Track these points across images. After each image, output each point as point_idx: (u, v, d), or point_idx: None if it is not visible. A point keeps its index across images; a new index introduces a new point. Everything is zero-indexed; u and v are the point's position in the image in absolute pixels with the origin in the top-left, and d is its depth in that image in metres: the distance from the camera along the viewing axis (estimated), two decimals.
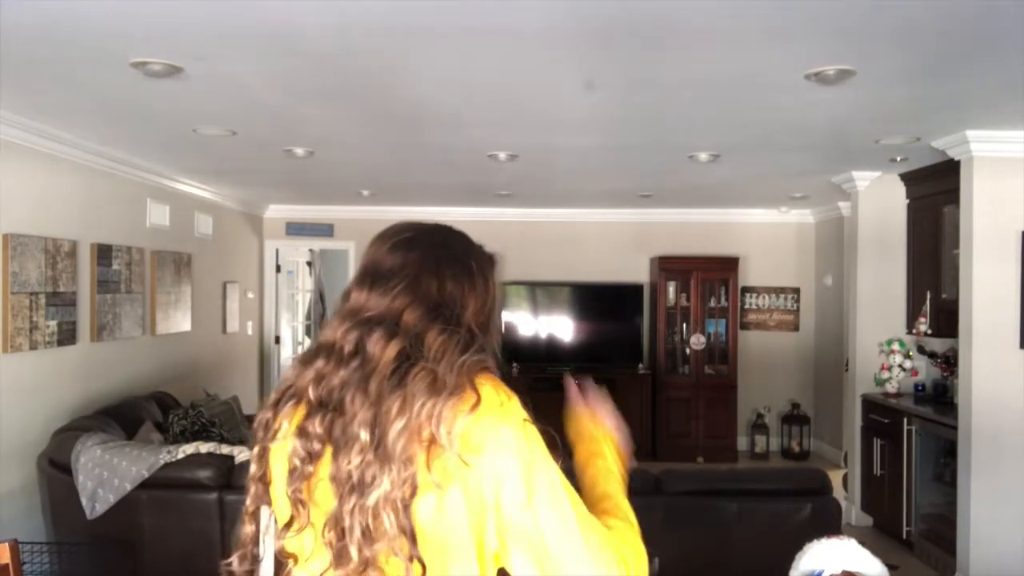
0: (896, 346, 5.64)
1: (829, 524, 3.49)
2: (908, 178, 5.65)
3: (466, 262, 1.29)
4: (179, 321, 6.22)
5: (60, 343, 4.61)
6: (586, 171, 5.76)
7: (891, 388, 5.62)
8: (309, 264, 9.39)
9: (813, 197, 7.14)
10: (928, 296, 5.38)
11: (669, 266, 8.02)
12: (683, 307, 8.04)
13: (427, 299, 1.20)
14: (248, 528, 1.27)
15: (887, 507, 5.46)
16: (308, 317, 9.39)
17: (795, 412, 8.05)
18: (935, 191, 5.29)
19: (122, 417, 4.68)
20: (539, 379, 7.91)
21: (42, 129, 4.30)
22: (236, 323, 7.56)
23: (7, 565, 2.17)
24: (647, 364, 8.20)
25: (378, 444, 1.10)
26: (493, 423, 1.11)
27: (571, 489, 1.16)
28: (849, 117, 4.00)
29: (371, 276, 1.23)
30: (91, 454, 3.74)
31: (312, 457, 1.15)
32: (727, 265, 8.06)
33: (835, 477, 4.88)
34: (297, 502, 1.16)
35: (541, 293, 8.32)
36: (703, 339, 7.98)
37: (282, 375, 1.17)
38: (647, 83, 3.42)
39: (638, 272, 8.37)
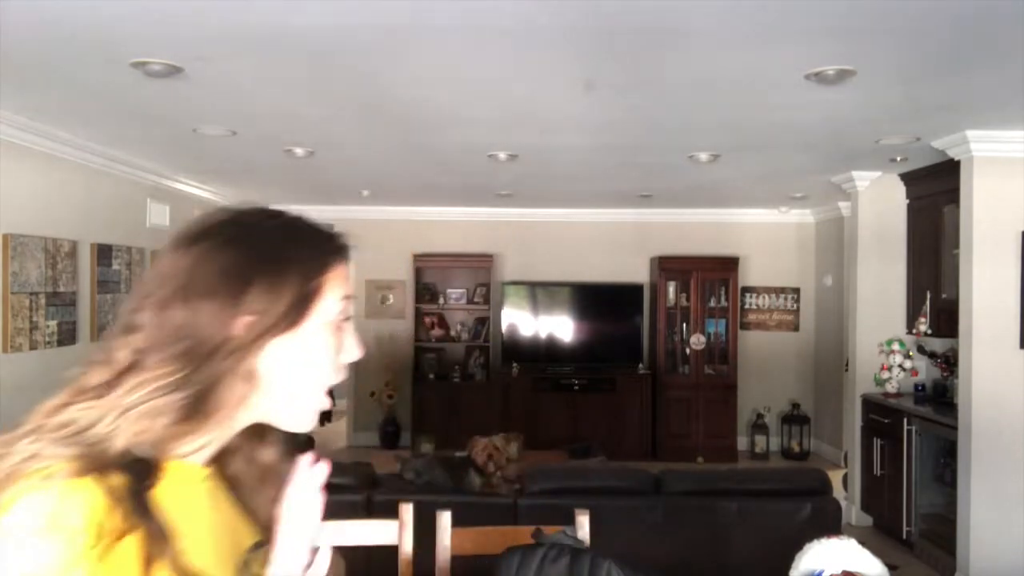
0: (896, 346, 5.64)
1: (829, 524, 3.49)
2: (908, 178, 5.65)
3: (262, 272, 0.86)
4: None
5: (60, 343, 4.61)
6: (586, 171, 5.76)
7: (891, 388, 5.62)
8: None
9: (813, 197, 7.14)
10: (928, 296, 5.38)
11: (669, 266, 8.02)
12: (683, 307, 8.04)
13: (166, 329, 0.83)
14: None
15: (887, 507, 5.46)
16: None
17: (795, 412, 8.04)
18: (935, 191, 5.29)
19: None
20: (539, 379, 7.93)
21: (42, 129, 4.30)
22: None
23: None
24: (647, 364, 8.20)
25: None
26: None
27: None
28: (849, 117, 4.00)
29: (135, 288, 0.91)
30: None
31: None
32: (727, 265, 8.06)
33: (835, 477, 4.87)
34: None
35: (541, 293, 8.31)
36: (703, 339, 7.98)
37: None
38: (647, 83, 3.42)
39: (638, 272, 8.37)
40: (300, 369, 0.90)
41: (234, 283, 0.85)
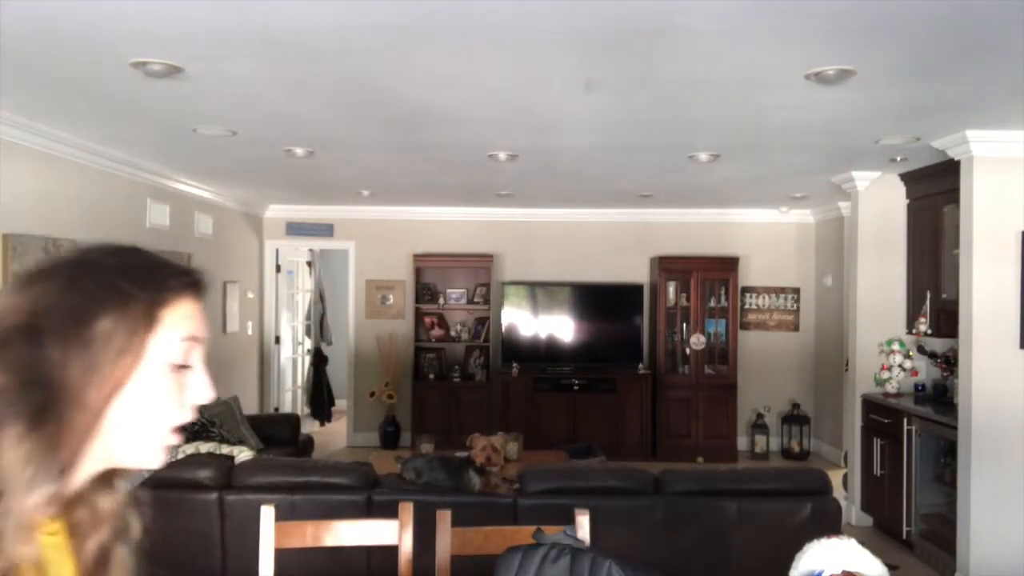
0: (896, 346, 5.64)
1: (829, 524, 3.49)
2: (908, 178, 5.65)
3: (106, 308, 0.84)
4: None
5: None
6: (586, 171, 5.76)
7: (891, 388, 5.62)
8: (309, 264, 9.39)
9: (813, 197, 7.14)
10: (928, 296, 5.38)
11: (669, 266, 8.02)
12: (683, 307, 8.04)
13: (17, 371, 0.80)
14: None
15: (887, 507, 5.46)
16: (308, 317, 9.39)
17: (795, 412, 8.05)
18: (935, 191, 5.29)
19: None
20: (539, 379, 7.92)
21: (42, 129, 4.30)
22: (236, 323, 7.56)
23: None
24: (647, 364, 8.20)
25: None
26: None
27: None
28: (849, 117, 4.00)
29: None
30: None
31: None
32: (727, 265, 8.06)
33: (835, 477, 4.88)
34: None
35: (541, 293, 8.32)
36: (703, 339, 7.98)
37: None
38: (647, 83, 3.42)
39: (638, 272, 8.37)
40: (138, 409, 0.86)
41: (80, 321, 0.82)
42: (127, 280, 0.86)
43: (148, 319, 0.85)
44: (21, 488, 0.77)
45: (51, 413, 0.80)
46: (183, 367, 0.89)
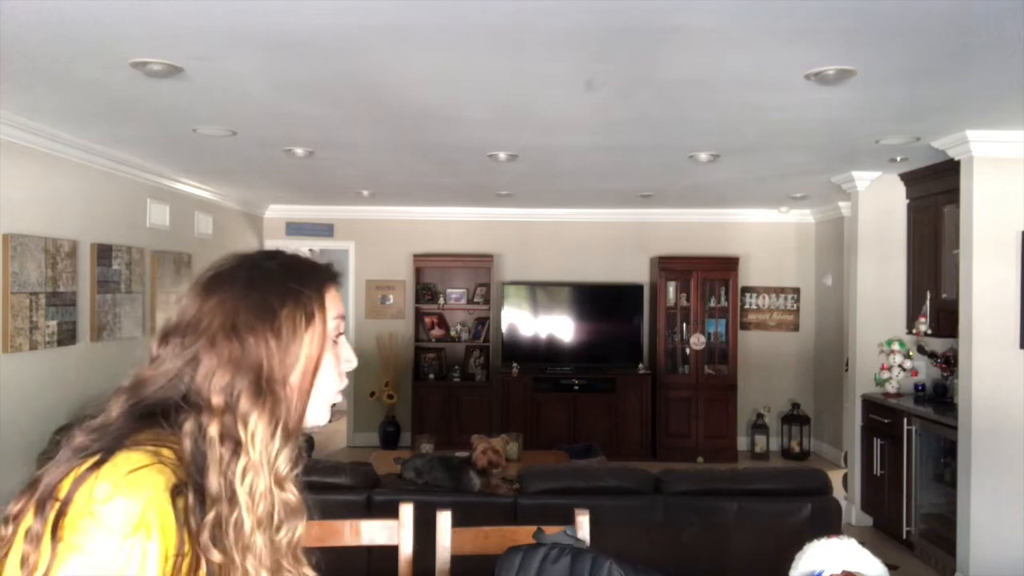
0: (896, 346, 5.64)
1: (829, 524, 3.49)
2: (908, 178, 5.65)
3: (284, 302, 1.06)
4: None
5: (60, 343, 4.61)
6: (586, 171, 5.76)
7: (891, 388, 5.62)
8: None
9: (813, 197, 7.14)
10: (928, 296, 5.38)
11: (669, 266, 8.02)
12: (683, 307, 8.04)
13: (231, 364, 1.01)
14: None
15: (887, 507, 5.46)
16: None
17: (795, 412, 8.05)
18: (935, 191, 5.29)
19: None
20: (539, 379, 7.92)
21: (42, 129, 4.30)
22: None
23: None
24: (647, 364, 8.20)
25: None
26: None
27: None
28: (849, 117, 4.00)
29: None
30: None
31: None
32: (727, 265, 8.06)
33: (835, 477, 4.88)
34: None
35: (541, 293, 8.32)
36: (703, 339, 7.98)
37: None
38: (647, 83, 3.42)
39: (638, 272, 8.38)
40: (322, 377, 1.10)
41: (266, 315, 1.04)
42: (292, 279, 1.08)
43: (318, 305, 1.08)
44: (271, 451, 1.00)
45: (266, 391, 1.00)
46: (335, 341, 1.12)
